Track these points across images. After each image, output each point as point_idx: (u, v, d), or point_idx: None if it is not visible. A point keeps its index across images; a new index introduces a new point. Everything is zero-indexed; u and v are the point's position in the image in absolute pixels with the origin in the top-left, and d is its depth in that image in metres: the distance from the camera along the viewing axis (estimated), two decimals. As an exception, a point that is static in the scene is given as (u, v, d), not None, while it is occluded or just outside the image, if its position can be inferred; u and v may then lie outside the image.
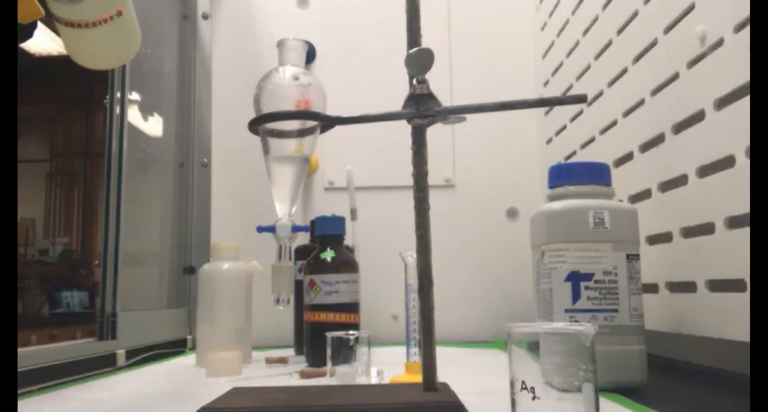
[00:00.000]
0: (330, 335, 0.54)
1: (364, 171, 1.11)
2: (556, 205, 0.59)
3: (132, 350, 0.86)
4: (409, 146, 0.46)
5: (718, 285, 0.59)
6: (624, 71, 0.79)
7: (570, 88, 0.99)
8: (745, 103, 0.54)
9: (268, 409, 0.39)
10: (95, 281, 3.36)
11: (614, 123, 0.82)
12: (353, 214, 1.05)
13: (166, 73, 1.16)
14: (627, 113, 0.78)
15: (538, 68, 1.16)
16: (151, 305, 1.08)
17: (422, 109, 0.45)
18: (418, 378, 0.44)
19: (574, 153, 0.97)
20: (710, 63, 0.60)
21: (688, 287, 0.64)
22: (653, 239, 0.72)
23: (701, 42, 0.61)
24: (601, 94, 0.86)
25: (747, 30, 0.53)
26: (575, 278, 0.56)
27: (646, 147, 0.74)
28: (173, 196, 1.17)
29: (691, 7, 0.63)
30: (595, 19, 0.88)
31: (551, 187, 0.62)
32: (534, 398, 0.35)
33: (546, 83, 1.11)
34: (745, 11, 0.54)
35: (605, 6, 0.84)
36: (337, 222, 0.82)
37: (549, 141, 1.10)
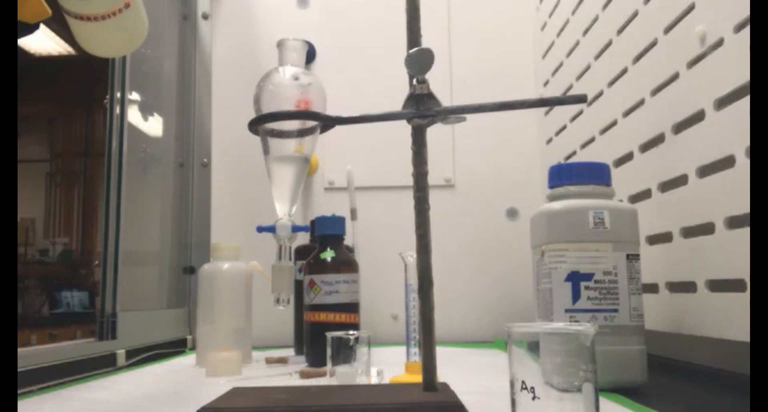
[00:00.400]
0: (330, 335, 0.54)
1: (364, 171, 1.11)
2: (556, 205, 0.59)
3: (132, 350, 0.86)
4: (409, 146, 0.46)
5: (718, 285, 0.59)
6: (624, 71, 0.79)
7: (570, 88, 0.99)
8: (745, 103, 0.54)
9: (268, 409, 0.39)
10: (95, 281, 3.36)
11: (614, 123, 0.82)
12: (353, 214, 1.05)
13: (166, 73, 1.16)
14: (627, 113, 0.78)
15: (538, 68, 1.16)
16: (151, 305, 1.08)
17: (422, 109, 0.45)
18: (418, 378, 0.44)
19: (574, 153, 0.97)
20: (710, 63, 0.60)
21: (688, 287, 0.64)
22: (653, 239, 0.72)
23: (701, 42, 0.61)
24: (601, 94, 0.86)
25: (747, 30, 0.53)
26: (575, 278, 0.56)
27: (646, 147, 0.74)
28: (173, 196, 1.17)
29: (691, 7, 0.63)
30: (595, 19, 0.88)
31: (551, 187, 0.62)
32: (534, 398, 0.35)
33: (546, 83, 1.11)
34: (745, 11, 0.54)
35: (605, 6, 0.84)
36: (337, 222, 0.82)
37: (549, 141, 1.10)
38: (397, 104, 0.46)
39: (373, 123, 0.48)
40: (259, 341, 0.93)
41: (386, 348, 0.90)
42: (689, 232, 0.65)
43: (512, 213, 1.13)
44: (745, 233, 0.54)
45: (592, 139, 0.90)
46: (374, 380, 0.59)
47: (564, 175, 0.61)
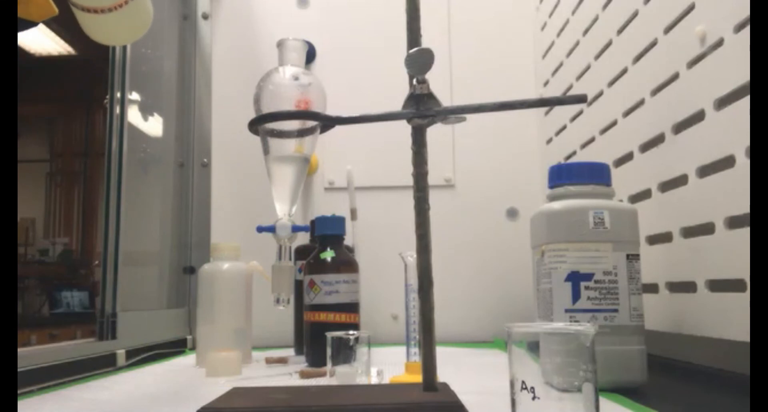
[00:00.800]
0: (330, 335, 0.54)
1: (364, 171, 1.11)
2: (556, 205, 0.59)
3: (132, 350, 0.86)
4: (409, 146, 0.46)
5: (718, 285, 0.59)
6: (624, 71, 0.79)
7: (570, 88, 0.99)
8: (745, 103, 0.54)
9: (268, 409, 0.39)
10: (95, 281, 3.36)
11: (614, 123, 0.82)
12: (353, 214, 1.05)
13: (166, 73, 1.16)
14: (627, 113, 0.78)
15: (538, 68, 1.16)
16: (151, 305, 1.08)
17: (422, 109, 0.45)
18: (418, 378, 0.44)
19: (574, 153, 0.97)
20: (710, 63, 0.60)
21: (688, 287, 0.64)
22: (653, 239, 0.72)
23: (701, 42, 0.61)
24: (601, 94, 0.86)
25: (747, 30, 0.53)
26: (575, 278, 0.56)
27: (646, 147, 0.74)
28: (173, 196, 1.17)
29: (691, 7, 0.63)
30: (595, 19, 0.88)
31: (551, 187, 0.62)
32: (534, 398, 0.35)
33: (546, 83, 1.11)
34: (745, 11, 0.54)
35: (605, 6, 0.84)
36: (337, 222, 0.82)
37: (549, 141, 1.10)
38: (397, 104, 0.46)
39: (373, 123, 0.48)
40: (259, 341, 0.93)
41: (386, 348, 0.91)
42: (689, 232, 0.65)
43: (512, 213, 1.13)
44: (745, 233, 0.54)
45: (592, 139, 0.90)
46: (374, 380, 0.59)
47: (564, 175, 0.61)
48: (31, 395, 0.59)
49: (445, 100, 0.46)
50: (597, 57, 0.88)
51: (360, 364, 0.54)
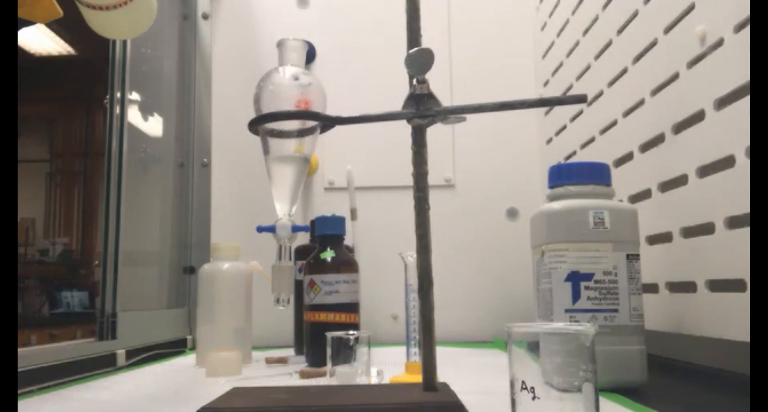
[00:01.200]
0: (330, 335, 0.54)
1: (364, 171, 1.11)
2: (556, 205, 0.59)
3: (132, 350, 0.86)
4: (409, 146, 0.46)
5: (718, 285, 0.59)
6: (624, 71, 0.79)
7: (570, 88, 0.99)
8: (745, 103, 0.54)
9: (268, 409, 0.39)
10: (95, 281, 3.36)
11: (614, 123, 0.82)
12: (353, 214, 1.05)
13: (166, 73, 1.16)
14: (627, 113, 0.78)
15: (538, 68, 1.16)
16: (151, 305, 1.08)
17: (422, 109, 0.45)
18: (418, 378, 0.44)
19: (574, 153, 0.97)
20: (710, 63, 0.60)
21: (688, 287, 0.64)
22: (653, 239, 0.72)
23: (701, 42, 0.61)
24: (601, 94, 0.86)
25: (747, 30, 0.53)
26: (575, 278, 0.56)
27: (646, 147, 0.74)
28: (173, 196, 1.17)
29: (691, 7, 0.63)
30: (595, 19, 0.88)
31: (551, 187, 0.62)
32: (534, 398, 0.35)
33: (546, 83, 1.11)
34: (745, 11, 0.54)
35: (605, 6, 0.84)
36: (337, 222, 0.82)
37: (549, 141, 1.10)
38: (397, 104, 0.46)
39: (373, 123, 0.48)
40: (259, 341, 0.93)
41: (386, 348, 0.91)
42: (689, 232, 0.65)
43: (512, 213, 1.13)
44: (745, 233, 0.54)
45: (592, 139, 0.90)
46: (374, 380, 0.59)
47: (564, 175, 0.61)
48: (31, 395, 0.59)
49: (445, 100, 0.46)
50: (597, 57, 0.88)
51: (360, 364, 0.54)
